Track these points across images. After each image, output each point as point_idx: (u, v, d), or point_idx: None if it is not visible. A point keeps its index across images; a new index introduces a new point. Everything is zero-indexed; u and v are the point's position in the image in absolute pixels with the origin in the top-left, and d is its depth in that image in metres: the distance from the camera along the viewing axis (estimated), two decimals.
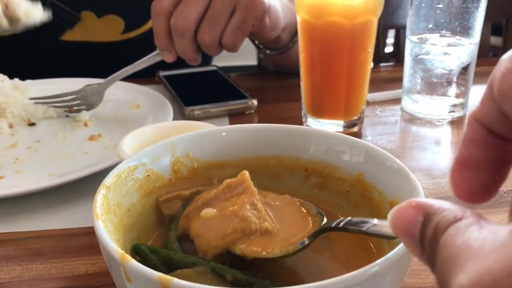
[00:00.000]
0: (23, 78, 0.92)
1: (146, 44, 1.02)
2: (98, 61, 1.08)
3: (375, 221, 0.34)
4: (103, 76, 0.95)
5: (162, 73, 1.03)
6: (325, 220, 0.42)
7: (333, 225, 0.39)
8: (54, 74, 1.02)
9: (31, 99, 0.86)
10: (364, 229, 0.34)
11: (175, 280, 0.32)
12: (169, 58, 0.84)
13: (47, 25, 1.05)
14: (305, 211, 0.44)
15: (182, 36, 0.80)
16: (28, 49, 1.10)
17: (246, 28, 0.81)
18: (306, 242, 0.41)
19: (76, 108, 0.87)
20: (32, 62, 1.11)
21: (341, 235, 0.44)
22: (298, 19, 0.78)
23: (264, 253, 0.40)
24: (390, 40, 1.77)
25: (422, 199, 0.25)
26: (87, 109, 0.87)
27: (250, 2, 0.79)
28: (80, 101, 0.87)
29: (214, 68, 1.08)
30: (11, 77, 0.90)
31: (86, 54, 1.11)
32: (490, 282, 0.18)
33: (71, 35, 1.09)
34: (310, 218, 0.43)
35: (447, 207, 0.23)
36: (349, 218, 0.38)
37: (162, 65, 1.05)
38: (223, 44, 0.82)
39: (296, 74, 0.84)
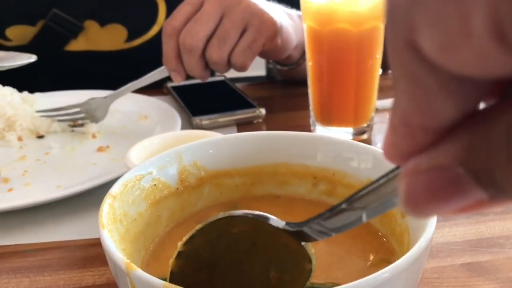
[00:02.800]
0: (29, 89, 0.93)
1: (149, 53, 1.03)
2: (103, 71, 1.09)
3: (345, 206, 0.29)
4: (109, 85, 0.96)
5: (170, 84, 1.04)
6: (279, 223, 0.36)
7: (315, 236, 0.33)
8: (60, 85, 1.03)
9: (37, 112, 0.86)
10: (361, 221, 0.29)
11: None
12: (177, 79, 0.84)
13: (51, 36, 1.06)
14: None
15: (191, 53, 0.79)
16: (33, 61, 1.11)
17: (256, 48, 0.81)
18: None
19: (80, 122, 0.87)
20: (37, 73, 1.12)
21: None
22: (305, 27, 0.78)
23: None
24: None
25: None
26: (92, 122, 0.87)
27: (262, 22, 0.79)
28: (84, 114, 0.87)
29: (222, 78, 1.08)
30: (18, 89, 0.90)
31: (91, 64, 1.12)
32: None
33: (75, 45, 1.10)
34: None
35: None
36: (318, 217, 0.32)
37: (170, 76, 1.06)
38: (232, 63, 0.81)
39: (304, 83, 0.83)
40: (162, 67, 0.85)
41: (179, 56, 0.81)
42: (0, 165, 0.74)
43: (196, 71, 0.82)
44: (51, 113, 0.87)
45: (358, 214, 0.29)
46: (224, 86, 1.05)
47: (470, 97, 0.16)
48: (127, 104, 0.94)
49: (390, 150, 0.20)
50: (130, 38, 1.10)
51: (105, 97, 0.87)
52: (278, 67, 1.01)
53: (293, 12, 0.94)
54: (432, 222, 0.36)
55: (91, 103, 0.86)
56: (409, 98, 0.17)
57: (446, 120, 0.17)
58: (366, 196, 0.28)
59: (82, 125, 0.86)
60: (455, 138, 0.17)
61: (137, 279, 0.33)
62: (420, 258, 0.34)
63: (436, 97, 0.16)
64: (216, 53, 0.79)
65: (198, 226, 0.37)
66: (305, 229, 0.34)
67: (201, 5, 0.80)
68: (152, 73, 0.86)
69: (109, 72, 1.09)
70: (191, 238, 0.37)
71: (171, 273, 0.37)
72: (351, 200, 0.29)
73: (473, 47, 0.14)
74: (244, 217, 0.36)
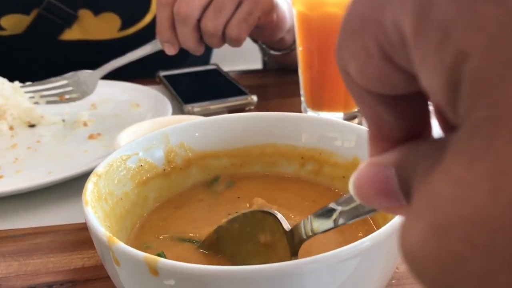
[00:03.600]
0: (23, 79, 0.93)
1: (143, 41, 1.03)
2: (98, 60, 1.08)
3: (339, 208, 0.30)
4: (104, 75, 0.96)
5: (162, 73, 1.04)
6: (285, 224, 0.39)
7: (305, 236, 0.35)
8: (54, 74, 1.03)
9: (21, 87, 0.84)
10: (333, 225, 0.31)
11: (162, 260, 0.31)
12: (171, 51, 0.83)
13: (45, 25, 1.06)
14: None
15: (185, 23, 0.78)
16: (28, 50, 1.11)
17: (252, 21, 0.80)
18: None
19: (67, 96, 0.84)
20: (32, 62, 1.12)
21: None
22: (294, 11, 0.78)
23: None
24: None
25: (377, 157, 0.21)
26: (80, 98, 0.84)
27: None
28: (72, 87, 0.85)
29: (214, 66, 1.08)
30: (11, 79, 0.90)
31: (85, 53, 1.11)
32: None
33: (69, 35, 1.09)
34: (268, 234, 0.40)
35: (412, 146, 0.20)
36: (310, 216, 0.34)
37: (162, 65, 1.06)
38: (227, 35, 0.81)
39: (297, 70, 0.83)
40: (155, 40, 0.84)
41: (173, 27, 0.80)
42: None
43: (190, 43, 0.81)
44: (38, 87, 0.85)
45: (335, 217, 0.30)
46: (216, 74, 1.04)
47: (402, 112, 0.21)
48: (119, 92, 0.94)
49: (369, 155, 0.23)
50: (124, 26, 1.10)
51: (93, 71, 0.86)
52: (272, 52, 1.01)
53: None
54: None
55: (79, 75, 0.84)
56: (364, 113, 0.22)
57: (393, 129, 0.21)
58: (349, 199, 0.29)
59: (70, 100, 0.84)
60: (401, 148, 0.20)
61: (119, 252, 0.33)
62: None
63: (375, 108, 0.21)
64: (212, 24, 0.78)
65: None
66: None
67: None
68: (144, 46, 0.85)
69: (103, 61, 1.09)
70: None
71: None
72: (339, 202, 0.30)
73: (374, 67, 0.19)
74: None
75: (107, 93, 0.94)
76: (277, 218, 0.39)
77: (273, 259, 0.36)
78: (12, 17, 1.06)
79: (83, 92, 0.85)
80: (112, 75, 0.98)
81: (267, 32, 0.87)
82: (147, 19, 1.10)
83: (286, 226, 0.38)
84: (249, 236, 0.40)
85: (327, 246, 0.42)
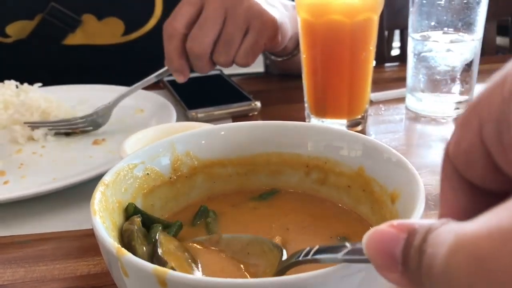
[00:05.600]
0: (28, 83, 0.93)
1: (147, 46, 1.04)
2: (101, 64, 1.09)
3: (348, 245, 0.29)
4: (107, 79, 0.96)
5: (166, 78, 1.04)
6: (284, 254, 0.40)
7: (301, 257, 0.34)
8: (59, 79, 1.03)
9: (28, 124, 0.82)
10: (338, 256, 0.30)
11: (170, 272, 0.31)
12: (181, 79, 0.86)
13: (49, 30, 1.06)
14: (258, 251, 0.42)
15: (199, 59, 0.82)
16: (32, 55, 1.12)
17: (258, 49, 0.83)
18: None
19: (82, 130, 0.84)
20: (36, 67, 1.12)
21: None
22: (299, 19, 0.78)
23: None
24: (397, 43, 1.77)
25: (404, 220, 0.23)
26: (93, 130, 0.84)
27: (263, 24, 0.81)
28: (87, 123, 0.84)
29: (218, 72, 1.08)
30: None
31: (89, 58, 1.12)
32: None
33: (73, 39, 1.10)
34: (263, 258, 0.41)
35: (433, 221, 0.22)
36: (317, 246, 0.33)
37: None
38: (236, 62, 0.84)
39: (300, 75, 0.84)
40: (166, 68, 0.86)
41: (181, 56, 0.83)
42: None
43: (206, 71, 0.85)
44: (52, 124, 0.83)
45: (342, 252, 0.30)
46: (220, 79, 1.05)
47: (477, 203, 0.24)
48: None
49: None
50: (127, 31, 1.10)
51: (109, 103, 0.85)
52: (273, 57, 1.01)
53: (288, 2, 0.94)
54: (420, 207, 0.37)
55: (98, 112, 0.84)
56: (443, 193, 0.26)
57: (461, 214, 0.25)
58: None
59: (84, 132, 0.84)
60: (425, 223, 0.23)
61: (128, 263, 0.33)
62: None
63: (456, 192, 0.24)
64: (223, 58, 0.82)
65: None
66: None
67: (201, 5, 0.81)
68: (156, 73, 0.86)
69: (107, 65, 1.10)
70: None
71: None
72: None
73: (469, 144, 0.22)
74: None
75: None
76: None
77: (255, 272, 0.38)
78: (16, 24, 1.07)
79: (98, 125, 0.84)
80: (117, 79, 0.99)
81: (269, 48, 0.88)
82: (151, 23, 1.10)
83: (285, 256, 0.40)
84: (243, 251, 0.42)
85: None
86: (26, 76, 0.98)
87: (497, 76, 0.22)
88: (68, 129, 0.83)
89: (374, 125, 0.84)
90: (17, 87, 0.89)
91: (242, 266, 0.41)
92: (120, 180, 0.45)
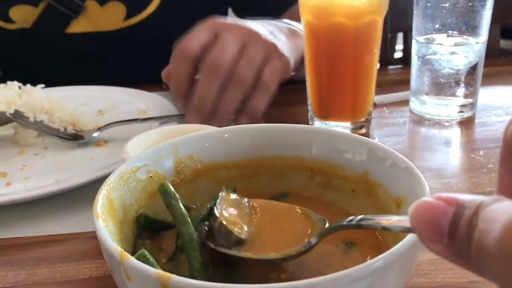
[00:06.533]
0: (33, 75, 0.93)
1: (148, 30, 1.06)
2: (105, 52, 1.10)
3: (393, 217, 0.32)
4: (111, 67, 1.01)
5: None
6: (327, 224, 0.41)
7: (345, 222, 0.37)
8: (63, 69, 1.04)
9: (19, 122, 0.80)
10: (380, 224, 0.33)
11: (174, 277, 0.31)
12: (179, 103, 0.79)
13: (53, 16, 1.07)
14: (304, 218, 0.43)
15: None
16: (36, 45, 1.13)
17: (273, 89, 0.78)
18: (313, 242, 0.40)
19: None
20: (40, 59, 1.13)
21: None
22: (302, 21, 0.78)
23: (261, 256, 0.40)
24: (400, 46, 1.77)
25: (452, 194, 0.24)
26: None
27: (280, 64, 0.77)
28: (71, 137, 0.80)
29: None
30: (20, 76, 0.91)
31: (92, 45, 1.13)
32: None
33: (76, 27, 1.11)
34: (310, 224, 0.42)
35: (483, 197, 0.23)
36: (362, 216, 0.36)
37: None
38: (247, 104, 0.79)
39: (303, 81, 0.83)
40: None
41: (189, 80, 0.76)
42: None
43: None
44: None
45: None
46: None
47: None
48: (126, 99, 0.94)
49: None
50: (129, 15, 1.11)
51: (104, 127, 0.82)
52: None
53: (283, 25, 0.89)
54: None
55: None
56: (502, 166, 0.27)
57: None
58: None
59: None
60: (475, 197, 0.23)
61: (131, 268, 0.33)
62: (414, 246, 0.34)
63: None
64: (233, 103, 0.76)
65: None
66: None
67: (214, 34, 0.76)
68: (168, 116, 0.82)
69: (110, 52, 1.11)
70: None
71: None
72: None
73: None
74: None
75: (114, 100, 0.94)
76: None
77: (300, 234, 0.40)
78: (20, 8, 1.08)
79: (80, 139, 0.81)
80: (119, 68, 1.00)
81: None
82: (152, 6, 1.11)
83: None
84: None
85: (335, 263, 0.42)
86: (30, 68, 0.98)
87: None
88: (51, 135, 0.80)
89: (378, 128, 0.84)
90: (19, 88, 0.89)
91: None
92: (123, 183, 0.45)
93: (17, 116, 0.80)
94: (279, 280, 0.40)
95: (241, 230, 0.41)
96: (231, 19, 0.81)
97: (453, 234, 0.22)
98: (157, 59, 1.03)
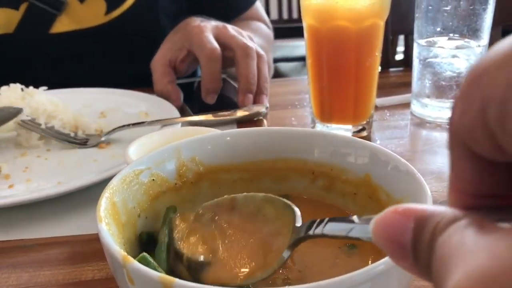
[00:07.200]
0: (23, 79, 0.93)
1: (129, 24, 1.09)
2: (90, 48, 1.11)
3: (356, 222, 0.30)
4: (98, 63, 1.06)
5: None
6: (297, 213, 0.40)
7: (312, 232, 0.35)
8: (48, 71, 1.04)
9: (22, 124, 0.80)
10: (345, 234, 0.30)
11: (177, 280, 0.31)
12: (212, 99, 0.92)
13: (36, 16, 1.08)
14: (274, 218, 0.41)
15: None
16: (22, 49, 1.13)
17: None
18: (285, 257, 0.38)
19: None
20: (27, 61, 1.14)
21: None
22: (304, 24, 0.78)
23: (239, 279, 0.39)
24: (401, 48, 1.77)
25: (409, 205, 0.22)
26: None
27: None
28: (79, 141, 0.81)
29: (224, 76, 1.09)
30: (5, 80, 0.91)
31: (77, 43, 1.13)
32: (477, 283, 0.17)
33: (59, 27, 1.11)
34: (280, 225, 0.41)
35: (444, 209, 0.21)
36: (327, 219, 0.34)
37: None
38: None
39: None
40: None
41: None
42: (1, 161, 0.74)
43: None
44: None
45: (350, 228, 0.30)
46: (227, 83, 1.05)
47: (484, 174, 0.22)
48: (128, 101, 0.94)
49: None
50: (109, 9, 1.12)
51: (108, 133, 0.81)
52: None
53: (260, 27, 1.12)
54: None
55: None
56: (451, 162, 0.23)
57: (471, 186, 0.23)
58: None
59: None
60: (431, 210, 0.22)
61: (134, 271, 0.33)
62: None
63: (462, 162, 0.23)
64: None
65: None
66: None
67: (216, 33, 0.91)
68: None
69: (95, 49, 1.13)
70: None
71: None
72: (361, 218, 0.30)
73: (471, 118, 0.21)
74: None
75: (116, 102, 0.95)
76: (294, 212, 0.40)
77: (269, 245, 0.39)
78: (1, 12, 1.08)
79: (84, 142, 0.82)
80: (107, 64, 1.01)
81: None
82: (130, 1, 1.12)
83: (298, 222, 0.39)
84: (256, 215, 0.42)
85: (337, 267, 0.43)
86: (17, 72, 0.99)
87: (504, 47, 0.21)
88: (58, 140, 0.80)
89: (379, 131, 0.84)
90: (22, 90, 0.89)
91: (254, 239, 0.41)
92: (126, 186, 0.45)
93: (28, 123, 0.80)
94: (286, 279, 0.41)
95: (204, 251, 0.41)
96: (206, 20, 0.97)
97: (416, 255, 0.21)
98: (142, 53, 1.04)
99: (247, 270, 0.39)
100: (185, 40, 0.93)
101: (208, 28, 0.92)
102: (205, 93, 0.91)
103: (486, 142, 0.20)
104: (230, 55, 0.91)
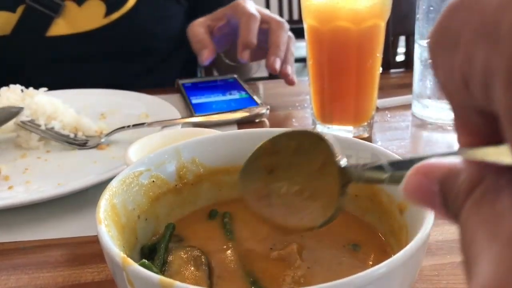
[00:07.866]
0: (17, 81, 0.93)
1: (129, 26, 1.08)
2: (88, 52, 1.11)
3: (386, 168, 0.30)
4: (97, 67, 1.05)
5: (181, 81, 1.06)
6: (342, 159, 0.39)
7: (355, 179, 0.36)
8: (45, 73, 1.04)
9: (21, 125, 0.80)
10: (386, 181, 0.30)
11: (177, 283, 0.31)
12: (247, 55, 0.97)
13: (33, 18, 1.08)
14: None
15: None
16: (18, 52, 1.13)
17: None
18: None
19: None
20: (24, 64, 1.13)
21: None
22: (305, 25, 0.78)
23: None
24: (402, 49, 1.77)
25: (431, 162, 0.23)
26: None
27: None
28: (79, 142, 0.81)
29: (234, 76, 1.10)
30: (6, 83, 0.91)
31: (75, 47, 1.12)
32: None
33: (56, 30, 1.10)
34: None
35: (463, 167, 0.22)
36: (361, 164, 0.34)
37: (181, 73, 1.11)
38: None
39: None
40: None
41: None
42: (1, 163, 0.74)
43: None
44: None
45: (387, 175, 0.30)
46: (234, 84, 1.05)
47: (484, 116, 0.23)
48: (128, 102, 0.94)
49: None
50: (109, 12, 1.11)
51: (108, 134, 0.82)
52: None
53: None
54: (429, 218, 0.36)
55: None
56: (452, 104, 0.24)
57: (476, 127, 0.23)
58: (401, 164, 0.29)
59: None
60: (449, 163, 0.23)
61: (134, 274, 0.33)
62: (418, 253, 0.34)
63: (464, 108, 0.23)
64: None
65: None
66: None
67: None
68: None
69: (94, 52, 1.12)
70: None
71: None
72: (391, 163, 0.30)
73: (454, 85, 0.22)
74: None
75: (116, 103, 0.94)
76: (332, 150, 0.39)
77: (320, 193, 0.38)
78: None
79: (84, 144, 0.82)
80: (106, 64, 1.01)
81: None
82: (131, 2, 1.11)
83: (343, 162, 0.38)
84: (302, 157, 0.41)
85: (345, 265, 0.42)
86: (13, 74, 0.98)
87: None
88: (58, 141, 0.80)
89: (380, 132, 0.84)
90: (22, 91, 0.89)
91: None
92: (126, 188, 0.45)
93: (28, 124, 0.80)
94: (294, 278, 0.41)
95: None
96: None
97: (448, 211, 0.23)
98: (142, 55, 1.04)
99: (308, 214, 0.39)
100: (228, 10, 0.99)
101: (251, 3, 1.00)
102: (242, 47, 0.95)
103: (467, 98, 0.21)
104: (265, 27, 0.97)
